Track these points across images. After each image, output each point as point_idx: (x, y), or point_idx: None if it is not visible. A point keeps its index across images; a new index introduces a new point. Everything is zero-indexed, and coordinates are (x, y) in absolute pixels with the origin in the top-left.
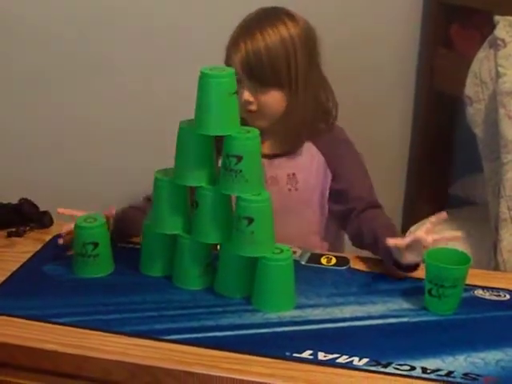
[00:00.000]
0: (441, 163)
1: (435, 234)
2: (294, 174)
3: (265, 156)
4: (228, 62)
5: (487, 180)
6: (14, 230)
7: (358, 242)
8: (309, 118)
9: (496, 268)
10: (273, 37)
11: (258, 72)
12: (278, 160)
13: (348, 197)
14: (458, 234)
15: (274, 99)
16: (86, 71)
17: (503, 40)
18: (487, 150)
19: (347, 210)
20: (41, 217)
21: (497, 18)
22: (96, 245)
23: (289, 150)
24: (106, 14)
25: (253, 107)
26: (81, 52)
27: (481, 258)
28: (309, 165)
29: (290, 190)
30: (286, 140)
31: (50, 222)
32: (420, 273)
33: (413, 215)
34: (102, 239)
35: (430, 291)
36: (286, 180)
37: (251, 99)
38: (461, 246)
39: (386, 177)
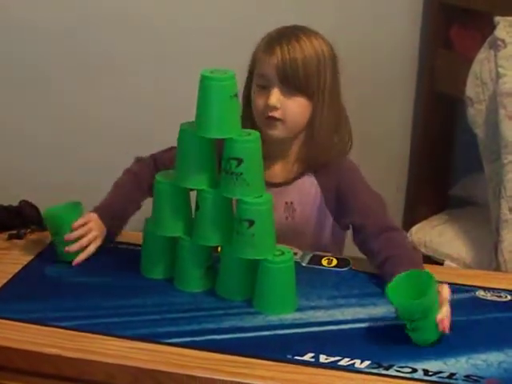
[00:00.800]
0: (441, 164)
1: None
2: (291, 203)
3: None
4: (257, 66)
5: (488, 181)
6: (14, 232)
7: (373, 262)
8: (327, 140)
9: (497, 269)
10: (309, 46)
11: (292, 77)
12: (279, 188)
13: (362, 227)
14: None
15: (300, 108)
16: (86, 71)
17: (503, 41)
18: (488, 150)
19: (362, 235)
20: (41, 219)
21: (497, 18)
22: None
23: (294, 177)
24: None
25: (277, 113)
26: (79, 52)
27: (482, 258)
28: (307, 194)
29: (286, 218)
30: (293, 165)
31: None
32: None
33: (413, 216)
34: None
35: (405, 326)
36: (283, 208)
37: (279, 105)
38: (462, 247)
39: (387, 177)
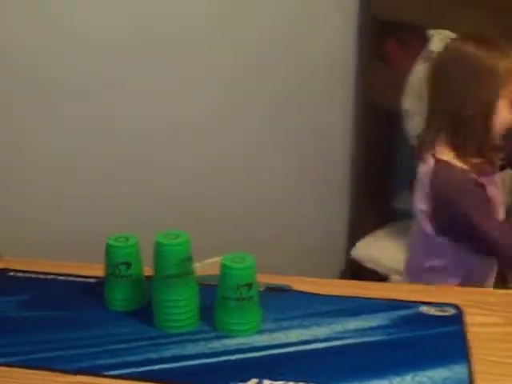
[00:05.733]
0: (383, 176)
1: None
2: None
3: None
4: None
5: None
6: None
7: None
8: None
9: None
10: None
11: None
12: None
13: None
14: None
15: None
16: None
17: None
18: None
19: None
20: None
21: (431, 31)
22: None
23: None
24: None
25: None
26: (50, 77)
27: None
28: None
29: None
30: None
31: None
32: (363, 292)
33: (359, 229)
34: None
35: None
36: None
37: None
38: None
39: (330, 191)
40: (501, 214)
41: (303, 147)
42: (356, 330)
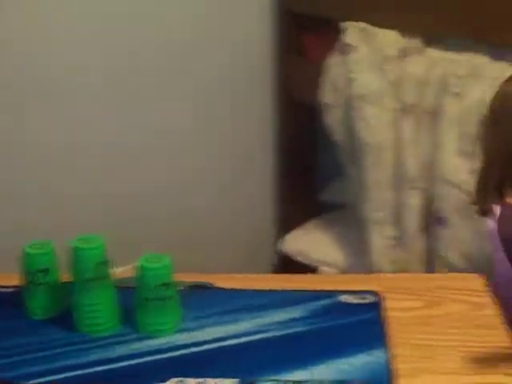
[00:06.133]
0: (308, 169)
1: None
2: None
3: None
4: None
5: (352, 183)
6: None
7: None
8: None
9: (369, 270)
10: None
11: None
12: None
13: None
14: None
15: None
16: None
17: (352, 45)
18: (348, 153)
19: None
20: None
21: (345, 24)
22: None
23: None
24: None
25: None
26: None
27: (356, 261)
28: None
29: None
30: None
31: None
32: (288, 284)
33: (286, 223)
34: None
35: None
36: None
37: None
38: (336, 252)
39: (256, 188)
40: None
41: (226, 145)
42: (278, 323)
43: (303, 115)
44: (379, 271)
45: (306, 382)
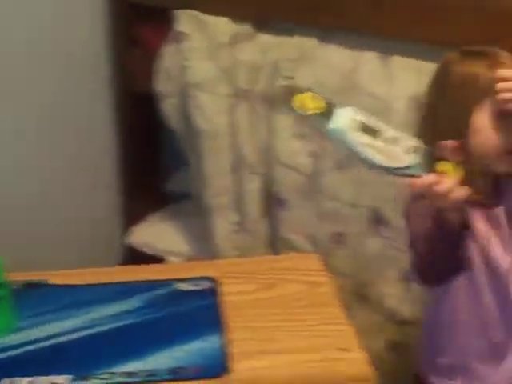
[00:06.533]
0: (151, 161)
1: None
2: None
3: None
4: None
5: (193, 171)
6: None
7: None
8: None
9: (214, 256)
10: None
11: None
12: None
13: None
14: None
15: None
16: None
17: (185, 33)
18: (186, 142)
19: None
20: None
21: (177, 12)
22: None
23: None
24: None
25: None
26: None
27: (202, 249)
28: None
29: None
30: None
31: None
32: (126, 276)
33: (132, 216)
34: None
35: None
36: None
37: None
38: (182, 241)
39: (99, 182)
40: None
41: (68, 140)
42: (112, 316)
43: (144, 106)
44: (225, 257)
45: (140, 372)
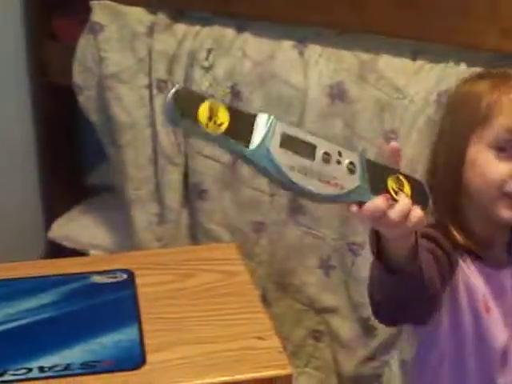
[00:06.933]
0: (71, 154)
1: None
2: None
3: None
4: (491, 119)
5: (113, 164)
6: None
7: None
8: None
9: (136, 249)
10: None
11: None
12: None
13: None
14: None
15: None
16: None
17: (101, 24)
18: (105, 135)
19: None
20: None
21: (92, 3)
22: None
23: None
24: None
25: None
26: None
27: (123, 241)
28: None
29: None
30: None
31: None
32: (40, 270)
33: (53, 212)
34: None
35: None
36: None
37: None
38: (104, 234)
39: (18, 179)
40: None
41: None
42: (28, 310)
43: (63, 99)
44: (146, 249)
45: (54, 366)
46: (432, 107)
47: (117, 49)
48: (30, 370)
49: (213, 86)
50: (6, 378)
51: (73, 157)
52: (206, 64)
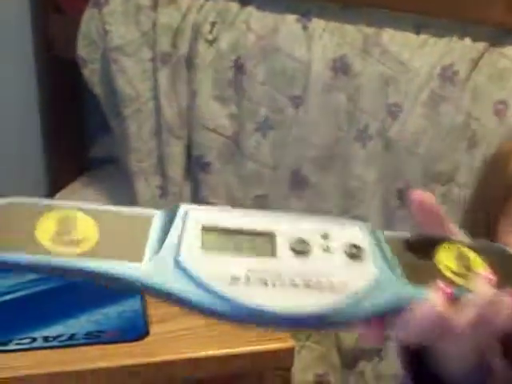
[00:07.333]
0: (75, 127)
1: None
2: None
3: None
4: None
5: (116, 136)
6: None
7: None
8: None
9: None
10: None
11: None
12: None
13: None
14: None
15: None
16: None
17: None
18: (109, 107)
19: None
20: None
21: None
22: None
23: None
24: None
25: None
26: None
27: None
28: None
29: None
30: None
31: None
32: None
33: (56, 183)
34: None
35: None
36: None
37: None
38: (106, 204)
39: (21, 150)
40: None
41: None
42: (29, 281)
43: (69, 73)
44: None
45: (59, 336)
46: (436, 81)
47: (121, 22)
48: (34, 339)
49: (216, 59)
50: (11, 347)
51: (76, 129)
52: (210, 37)
